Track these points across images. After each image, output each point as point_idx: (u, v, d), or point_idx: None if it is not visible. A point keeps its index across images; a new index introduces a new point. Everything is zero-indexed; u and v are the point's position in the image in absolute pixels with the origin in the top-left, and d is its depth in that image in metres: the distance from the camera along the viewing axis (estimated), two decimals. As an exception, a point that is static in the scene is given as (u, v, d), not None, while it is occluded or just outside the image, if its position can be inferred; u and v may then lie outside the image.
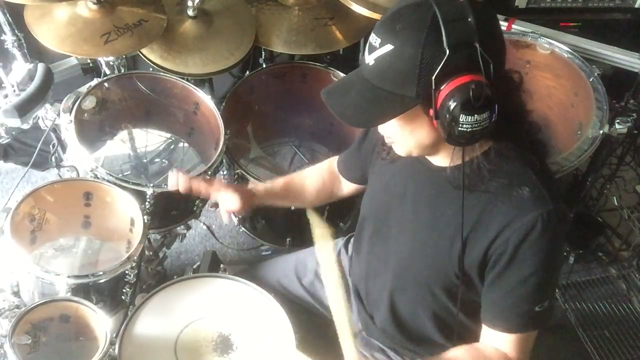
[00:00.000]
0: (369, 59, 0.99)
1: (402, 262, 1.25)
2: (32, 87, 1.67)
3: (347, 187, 1.54)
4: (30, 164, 1.84)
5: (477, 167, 1.06)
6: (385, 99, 0.99)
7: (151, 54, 1.85)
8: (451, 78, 0.93)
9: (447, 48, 0.92)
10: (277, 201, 1.52)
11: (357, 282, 1.47)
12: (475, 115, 0.94)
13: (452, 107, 0.93)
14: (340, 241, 1.63)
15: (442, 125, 0.97)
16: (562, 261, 1.23)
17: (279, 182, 1.52)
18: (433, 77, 0.93)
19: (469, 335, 1.25)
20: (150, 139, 2.14)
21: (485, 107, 0.94)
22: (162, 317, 1.44)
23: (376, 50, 0.97)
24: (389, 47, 0.95)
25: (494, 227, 1.07)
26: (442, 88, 0.94)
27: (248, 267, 1.80)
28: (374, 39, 0.98)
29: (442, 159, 1.12)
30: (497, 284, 1.11)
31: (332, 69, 2.08)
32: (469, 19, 0.92)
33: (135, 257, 1.52)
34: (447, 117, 0.95)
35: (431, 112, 0.97)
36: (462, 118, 0.94)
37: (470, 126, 0.95)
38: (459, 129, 0.95)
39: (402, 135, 1.06)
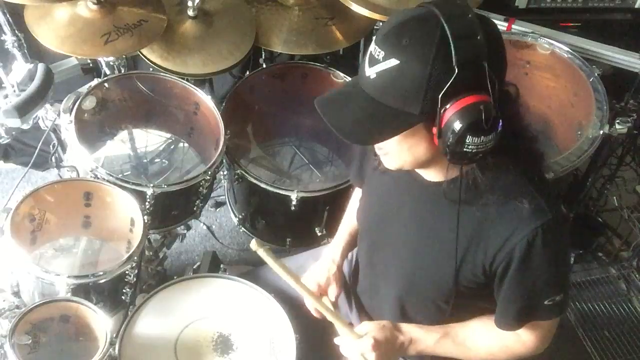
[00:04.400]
0: (370, 71, 0.94)
1: (403, 276, 1.25)
2: (32, 87, 1.67)
3: None
4: (30, 164, 1.84)
5: (473, 181, 1.05)
6: (386, 115, 0.95)
7: (151, 54, 1.85)
8: (458, 97, 0.90)
9: (455, 66, 0.88)
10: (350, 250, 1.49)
11: (359, 291, 1.47)
12: (482, 136, 0.92)
13: (458, 127, 0.90)
14: None
15: (445, 145, 0.94)
16: (569, 259, 1.24)
17: (345, 236, 1.46)
18: (439, 96, 0.90)
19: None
20: (150, 139, 2.14)
21: (492, 128, 0.92)
22: (162, 317, 1.45)
23: (379, 64, 0.92)
24: (393, 62, 0.91)
25: (495, 240, 1.07)
26: (448, 107, 0.91)
27: (249, 271, 1.79)
28: (376, 51, 0.93)
29: (435, 174, 1.11)
30: (505, 292, 1.13)
31: (332, 69, 2.08)
32: (479, 37, 0.89)
33: (136, 257, 1.51)
34: (452, 137, 0.91)
35: (434, 130, 0.94)
36: (469, 139, 0.91)
37: (475, 147, 0.93)
38: (464, 149, 0.93)
39: (399, 151, 1.02)
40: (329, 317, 1.25)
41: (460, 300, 1.19)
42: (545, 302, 1.12)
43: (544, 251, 1.05)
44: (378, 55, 0.93)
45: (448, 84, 0.89)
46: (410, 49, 0.90)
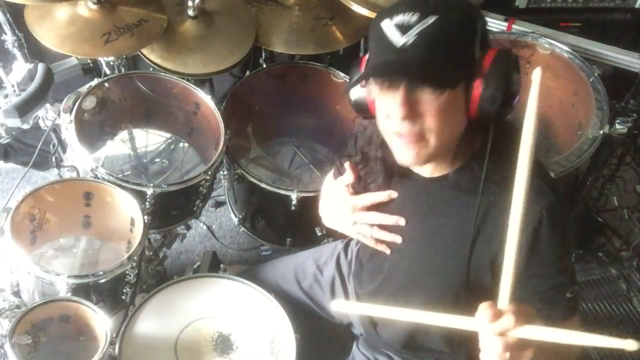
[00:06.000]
0: (405, 38, 0.95)
1: (408, 279, 1.24)
2: (32, 87, 1.67)
3: None
4: (30, 164, 1.84)
5: (473, 167, 1.05)
6: (443, 68, 0.96)
7: (151, 54, 1.85)
8: (487, 45, 0.99)
9: (480, 18, 0.98)
10: None
11: (361, 294, 1.46)
12: (518, 74, 0.99)
13: (505, 67, 0.97)
14: (340, 244, 1.62)
15: (491, 90, 0.97)
16: (572, 246, 1.21)
17: None
18: (477, 46, 0.97)
19: (473, 344, 1.23)
20: (150, 139, 2.14)
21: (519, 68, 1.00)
22: (162, 317, 1.45)
23: (416, 26, 0.94)
24: (432, 18, 0.94)
25: (502, 227, 1.04)
26: (486, 53, 0.98)
27: (248, 269, 1.80)
28: (407, 17, 0.95)
29: (437, 166, 1.10)
30: (521, 282, 1.07)
31: (332, 69, 2.08)
32: None
33: (136, 257, 1.51)
34: (499, 78, 0.96)
35: (477, 83, 0.97)
36: (515, 76, 0.98)
37: (518, 85, 0.98)
38: (513, 88, 0.98)
39: (442, 122, 0.99)
40: None
41: (469, 302, 1.16)
42: (568, 295, 1.07)
43: (551, 234, 1.02)
44: (410, 19, 0.95)
45: (480, 33, 0.97)
46: (441, 4, 0.96)
